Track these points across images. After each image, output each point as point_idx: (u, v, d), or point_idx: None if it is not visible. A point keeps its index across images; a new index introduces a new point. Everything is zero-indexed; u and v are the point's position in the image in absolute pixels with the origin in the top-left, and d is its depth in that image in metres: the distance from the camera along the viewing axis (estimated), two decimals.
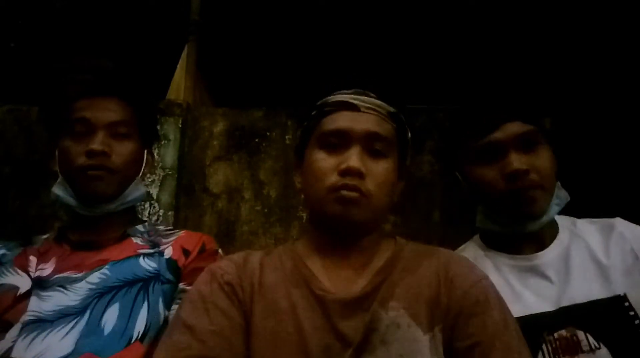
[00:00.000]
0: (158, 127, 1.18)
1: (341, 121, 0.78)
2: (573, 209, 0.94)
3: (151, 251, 0.95)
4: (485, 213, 0.95)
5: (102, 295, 0.86)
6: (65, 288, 0.87)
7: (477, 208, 0.98)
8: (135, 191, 1.00)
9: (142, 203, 1.66)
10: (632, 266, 0.84)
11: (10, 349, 0.79)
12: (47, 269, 0.90)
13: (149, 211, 1.68)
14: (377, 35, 2.23)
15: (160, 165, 1.74)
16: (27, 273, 0.90)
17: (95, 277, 0.88)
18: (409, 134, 0.86)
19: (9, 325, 0.82)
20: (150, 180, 1.70)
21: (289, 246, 0.84)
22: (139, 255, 0.93)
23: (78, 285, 0.87)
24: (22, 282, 0.88)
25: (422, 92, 1.77)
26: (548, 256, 0.89)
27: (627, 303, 0.80)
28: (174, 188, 1.72)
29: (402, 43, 2.21)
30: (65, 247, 0.95)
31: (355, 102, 0.79)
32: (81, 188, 0.93)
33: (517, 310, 0.81)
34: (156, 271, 0.91)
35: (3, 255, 0.93)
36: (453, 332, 0.69)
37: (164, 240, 0.98)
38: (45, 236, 1.00)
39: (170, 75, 1.98)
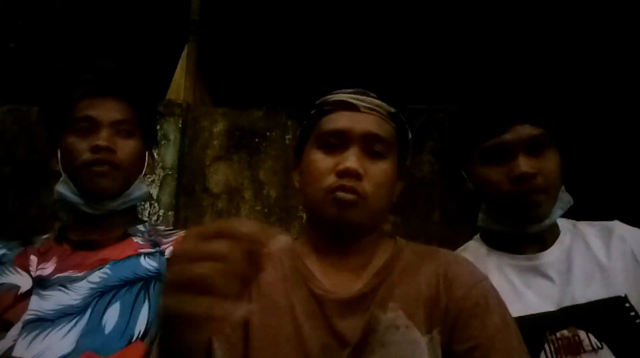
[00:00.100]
0: (158, 128, 1.17)
1: (340, 121, 0.77)
2: (573, 210, 0.94)
3: (152, 250, 0.95)
4: (487, 212, 0.95)
5: (103, 294, 0.86)
6: (66, 287, 0.87)
7: (477, 208, 0.98)
8: (138, 189, 1.00)
9: (142, 203, 1.66)
10: (632, 268, 0.85)
11: (11, 348, 0.79)
12: (48, 268, 0.90)
13: (149, 211, 1.69)
14: (377, 35, 2.23)
15: (160, 165, 1.74)
16: (28, 272, 0.90)
17: (96, 276, 0.88)
18: (410, 134, 0.85)
19: (9, 324, 0.82)
20: (150, 180, 1.70)
21: None
22: (139, 255, 0.93)
23: (79, 284, 0.87)
24: (23, 281, 0.88)
25: (422, 92, 1.77)
26: (550, 257, 0.89)
27: (627, 304, 0.81)
28: (174, 188, 1.72)
29: (402, 43, 2.21)
30: (65, 247, 0.95)
31: (355, 102, 0.78)
32: (85, 184, 0.93)
33: (519, 309, 0.81)
34: (157, 271, 0.91)
35: (3, 254, 0.93)
36: (452, 334, 0.69)
37: (165, 240, 0.98)
38: (45, 236, 1.00)
39: (171, 75, 1.98)
